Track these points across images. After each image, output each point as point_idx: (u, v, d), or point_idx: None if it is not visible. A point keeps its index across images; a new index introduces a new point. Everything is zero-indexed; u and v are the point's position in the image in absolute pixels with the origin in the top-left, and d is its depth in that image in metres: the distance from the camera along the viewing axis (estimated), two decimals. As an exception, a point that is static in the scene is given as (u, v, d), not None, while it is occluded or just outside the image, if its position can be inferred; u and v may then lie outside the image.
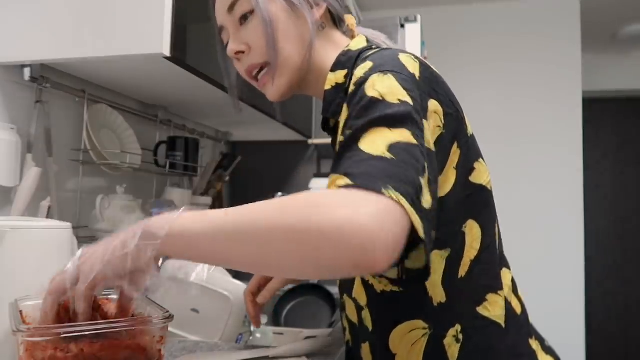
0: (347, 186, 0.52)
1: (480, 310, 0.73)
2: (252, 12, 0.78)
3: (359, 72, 0.68)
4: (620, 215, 3.93)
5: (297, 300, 1.61)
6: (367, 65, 0.68)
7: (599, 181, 3.97)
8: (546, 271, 2.98)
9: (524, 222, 2.95)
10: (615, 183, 3.97)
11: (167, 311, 0.73)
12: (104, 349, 0.65)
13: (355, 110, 0.63)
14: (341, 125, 0.67)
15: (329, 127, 0.81)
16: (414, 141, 0.59)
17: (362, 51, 0.77)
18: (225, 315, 1.15)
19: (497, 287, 0.76)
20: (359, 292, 0.77)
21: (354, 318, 0.81)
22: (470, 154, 0.72)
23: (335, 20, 0.84)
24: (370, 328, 0.76)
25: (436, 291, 0.71)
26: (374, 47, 0.78)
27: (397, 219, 0.50)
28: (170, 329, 0.87)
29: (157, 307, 0.75)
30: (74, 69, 1.14)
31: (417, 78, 0.67)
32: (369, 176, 0.53)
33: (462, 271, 0.72)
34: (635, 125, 3.98)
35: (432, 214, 0.57)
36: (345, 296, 0.83)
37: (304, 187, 1.74)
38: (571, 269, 2.99)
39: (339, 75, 0.77)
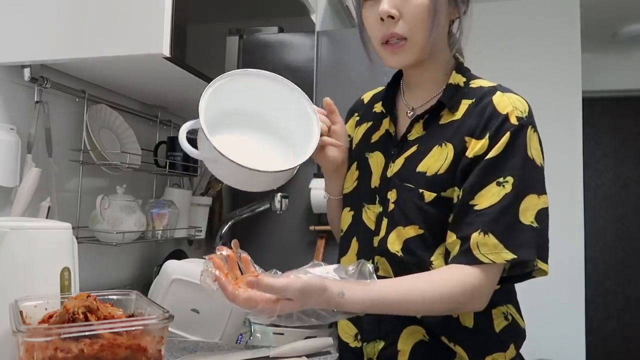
0: (513, 261, 0.79)
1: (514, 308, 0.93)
2: None
3: (507, 103, 0.84)
4: (620, 215, 3.93)
5: (297, 300, 1.61)
6: (515, 103, 0.85)
7: (599, 181, 3.97)
8: (546, 271, 2.98)
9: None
10: (615, 183, 3.96)
11: (167, 311, 0.73)
12: (104, 349, 0.65)
13: (513, 155, 0.82)
14: (478, 146, 0.83)
15: (434, 109, 0.91)
16: (548, 202, 0.84)
17: (466, 68, 0.95)
18: (225, 315, 1.15)
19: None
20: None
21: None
22: None
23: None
24: None
25: None
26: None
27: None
28: (170, 329, 0.87)
29: (157, 307, 0.76)
30: (74, 69, 1.14)
31: None
32: (526, 249, 0.80)
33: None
34: (635, 125, 3.98)
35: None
36: (378, 258, 0.92)
37: (304, 186, 1.73)
38: (571, 269, 2.99)
39: (459, 79, 0.92)
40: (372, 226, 0.93)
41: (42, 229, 0.83)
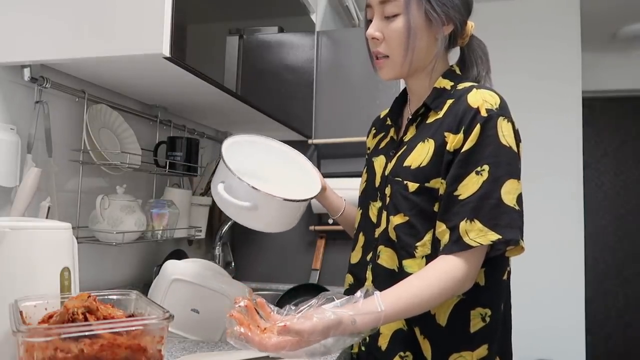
0: (499, 241, 0.86)
1: (507, 309, 0.99)
2: (398, 14, 0.94)
3: (478, 98, 0.91)
4: (620, 214, 3.92)
5: (297, 299, 1.61)
6: (486, 97, 0.91)
7: (599, 181, 3.97)
8: (546, 271, 2.98)
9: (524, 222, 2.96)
10: (615, 182, 3.96)
11: (167, 311, 0.73)
12: (104, 349, 0.65)
13: (486, 144, 0.88)
14: (455, 140, 0.90)
15: (420, 112, 1.01)
16: (521, 189, 0.90)
17: (456, 74, 1.02)
18: (225, 316, 1.15)
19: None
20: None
21: (394, 266, 0.99)
22: None
23: (451, 36, 1.01)
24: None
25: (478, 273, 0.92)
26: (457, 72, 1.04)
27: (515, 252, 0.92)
28: (170, 329, 0.87)
29: (157, 307, 0.76)
30: (74, 69, 1.14)
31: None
32: (511, 229, 0.87)
33: (504, 275, 0.99)
34: (635, 125, 3.98)
35: None
36: (382, 247, 1.01)
37: (304, 187, 1.74)
38: (571, 269, 2.99)
39: (446, 83, 1.00)
40: (374, 220, 1.04)
41: (42, 229, 0.83)
